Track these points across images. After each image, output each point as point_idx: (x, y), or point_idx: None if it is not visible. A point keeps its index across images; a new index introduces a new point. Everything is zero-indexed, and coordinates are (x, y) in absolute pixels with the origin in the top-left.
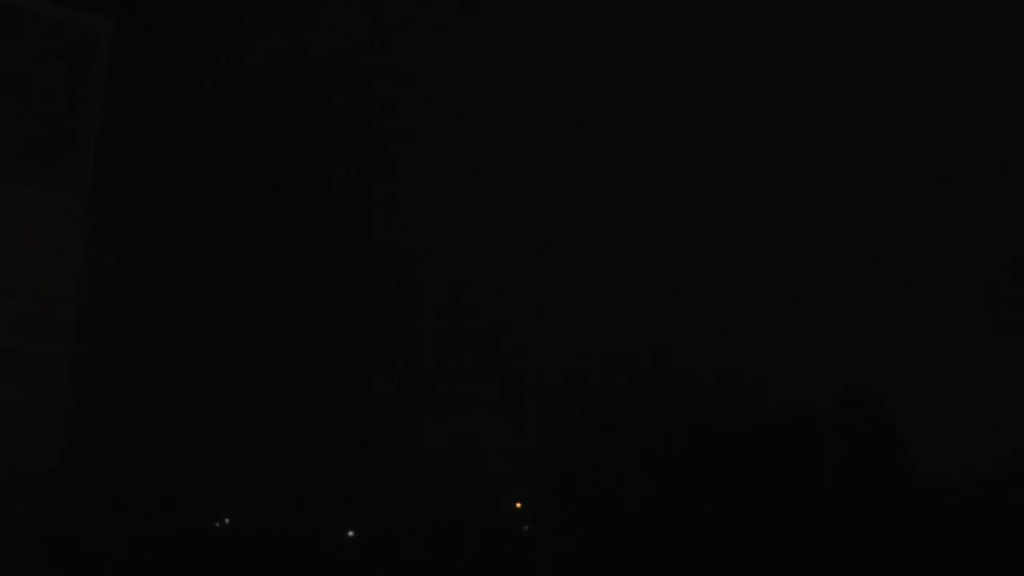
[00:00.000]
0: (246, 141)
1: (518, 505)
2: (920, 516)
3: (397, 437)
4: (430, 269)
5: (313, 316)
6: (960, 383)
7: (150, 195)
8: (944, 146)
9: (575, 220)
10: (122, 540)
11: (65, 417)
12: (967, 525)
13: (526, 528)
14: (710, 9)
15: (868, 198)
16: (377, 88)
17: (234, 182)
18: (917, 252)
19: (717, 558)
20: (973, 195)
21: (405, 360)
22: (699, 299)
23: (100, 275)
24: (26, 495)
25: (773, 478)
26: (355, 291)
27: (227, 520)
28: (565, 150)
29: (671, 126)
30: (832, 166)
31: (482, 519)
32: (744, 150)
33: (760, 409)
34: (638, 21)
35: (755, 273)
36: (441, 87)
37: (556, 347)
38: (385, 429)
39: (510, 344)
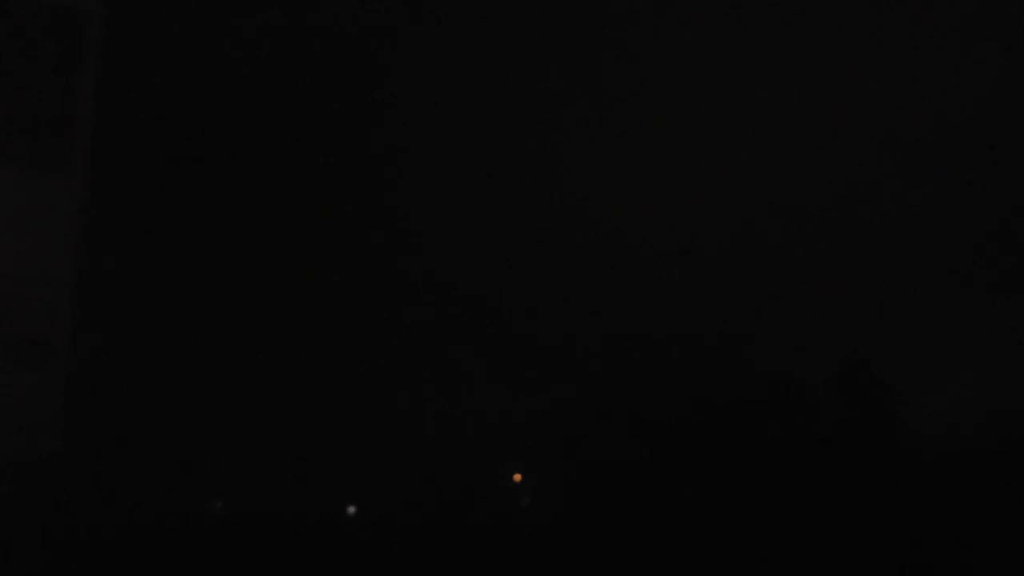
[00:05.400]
0: (242, 126)
1: (517, 478)
2: (916, 479)
3: (396, 415)
4: (428, 251)
5: (312, 296)
6: (953, 351)
7: (146, 180)
8: (933, 118)
9: (571, 204)
10: (120, 523)
11: (63, 402)
12: (962, 488)
13: (526, 500)
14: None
15: (857, 175)
16: (377, 81)
17: (230, 167)
18: (909, 228)
19: (716, 529)
20: (964, 167)
21: (404, 338)
22: (695, 275)
23: (96, 260)
24: (24, 479)
25: (770, 448)
26: (357, 268)
27: (225, 500)
28: (561, 142)
29: (667, 117)
30: (825, 143)
31: (481, 493)
32: (742, 134)
33: (757, 380)
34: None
35: (749, 249)
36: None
37: (555, 323)
38: (384, 407)
39: (510, 322)
